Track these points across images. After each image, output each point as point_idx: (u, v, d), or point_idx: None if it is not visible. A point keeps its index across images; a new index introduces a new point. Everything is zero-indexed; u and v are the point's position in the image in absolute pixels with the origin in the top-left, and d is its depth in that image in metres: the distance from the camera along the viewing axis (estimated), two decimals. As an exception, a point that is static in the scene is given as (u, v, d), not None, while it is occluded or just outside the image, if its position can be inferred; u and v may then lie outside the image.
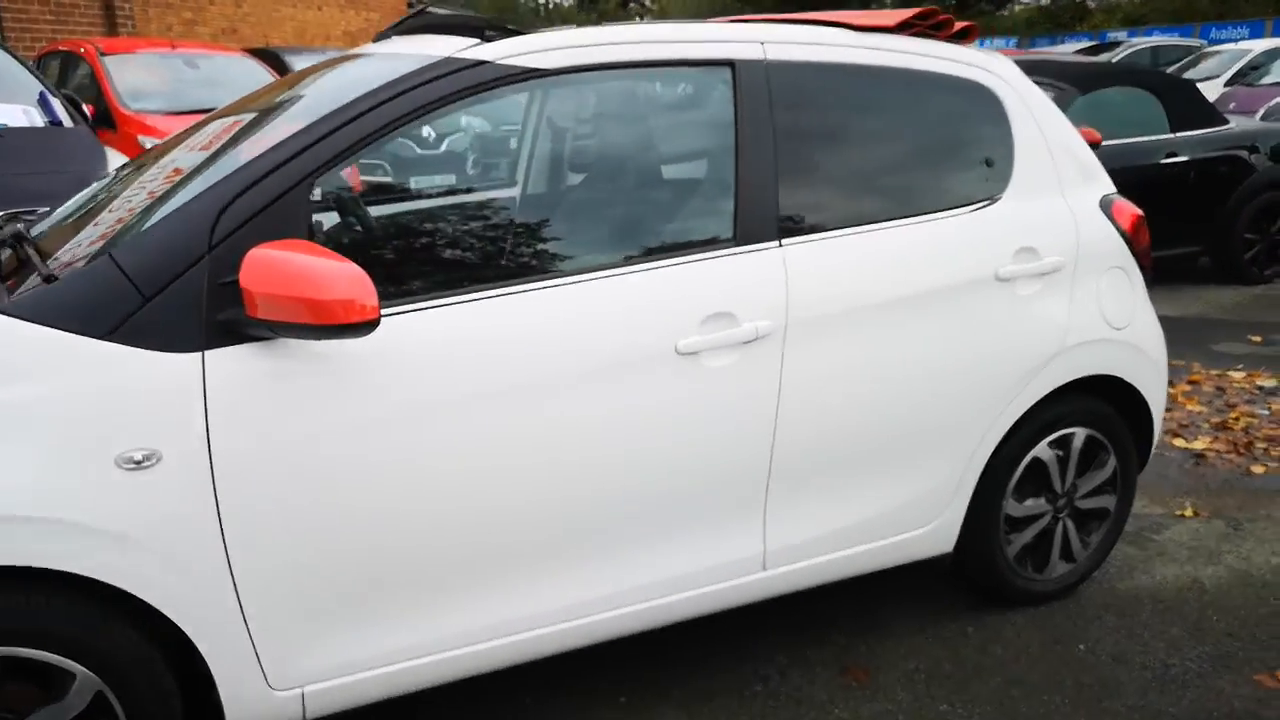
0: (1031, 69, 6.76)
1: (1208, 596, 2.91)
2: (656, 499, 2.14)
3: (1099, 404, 2.75)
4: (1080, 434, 2.73)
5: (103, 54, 8.74)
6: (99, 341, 1.66)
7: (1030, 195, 2.58)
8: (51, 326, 1.64)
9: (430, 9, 2.16)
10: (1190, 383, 4.91)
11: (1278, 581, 2.99)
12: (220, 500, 1.73)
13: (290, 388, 1.77)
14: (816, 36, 2.35)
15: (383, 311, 1.84)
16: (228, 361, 1.73)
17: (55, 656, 1.67)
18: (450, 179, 6.84)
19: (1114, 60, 15.40)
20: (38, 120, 5.52)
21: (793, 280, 2.21)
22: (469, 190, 2.85)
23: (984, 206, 2.50)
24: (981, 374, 2.47)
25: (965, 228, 2.46)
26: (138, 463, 1.66)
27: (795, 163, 2.28)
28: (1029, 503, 2.72)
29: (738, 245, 2.19)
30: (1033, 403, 2.58)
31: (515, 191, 3.03)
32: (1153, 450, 2.94)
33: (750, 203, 2.21)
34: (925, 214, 2.42)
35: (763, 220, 2.21)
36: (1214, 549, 3.20)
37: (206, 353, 1.72)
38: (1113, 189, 2.77)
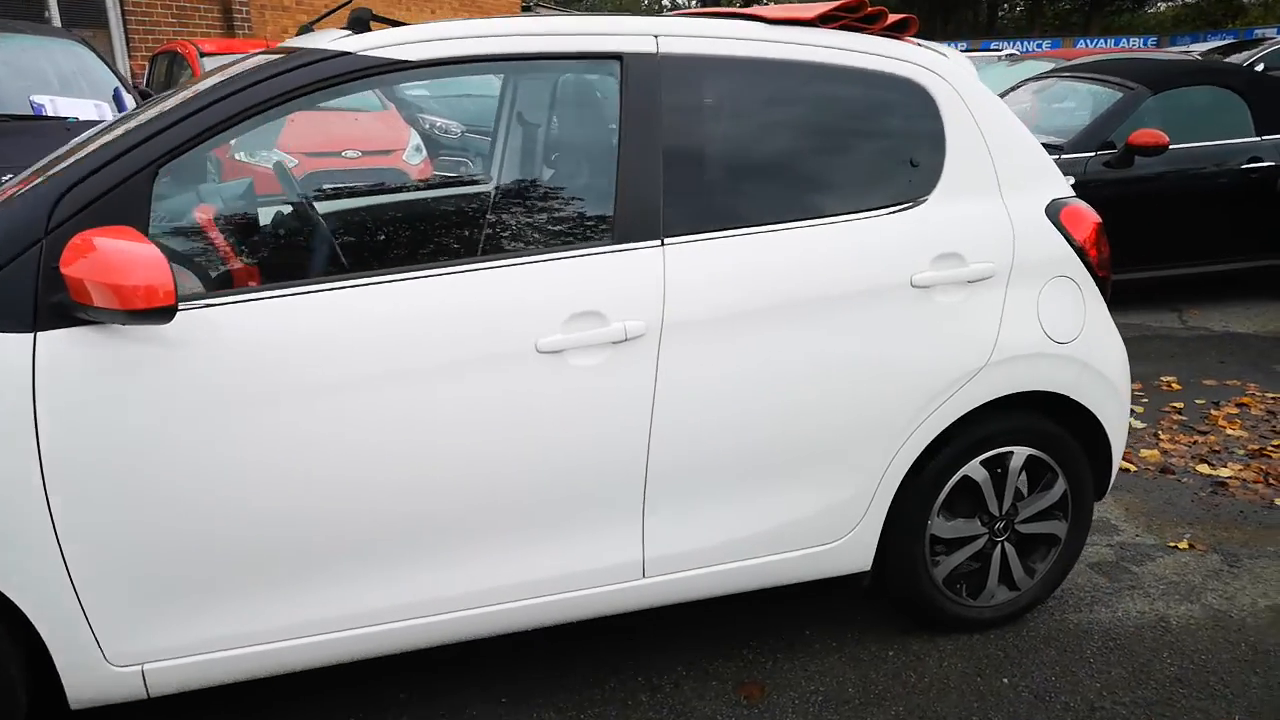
0: (1103, 69, 6.43)
1: (1169, 636, 2.69)
2: (519, 497, 2.11)
3: (1044, 423, 2.57)
4: (1020, 454, 2.56)
5: (202, 54, 9.21)
6: (-75, 319, 1.74)
7: (961, 198, 2.42)
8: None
9: (362, 7, 2.18)
10: (1239, 405, 4.55)
11: (1257, 626, 2.74)
12: (47, 478, 1.79)
13: (117, 371, 1.81)
14: (717, 29, 2.27)
15: (221, 301, 1.88)
16: (58, 343, 1.79)
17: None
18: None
19: (1255, 58, 14.36)
20: (108, 115, 5.86)
21: (671, 281, 2.14)
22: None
23: (905, 209, 2.37)
24: (890, 385, 2.34)
25: (878, 231, 2.33)
26: (-37, 436, 1.74)
27: (686, 160, 2.21)
28: (960, 524, 2.57)
29: (614, 243, 2.14)
30: (956, 418, 2.43)
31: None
32: (1113, 476, 2.73)
33: (630, 200, 2.15)
34: (833, 216, 2.31)
35: (643, 218, 2.15)
36: (1197, 585, 2.95)
37: (39, 334, 1.78)
38: (1067, 193, 2.58)
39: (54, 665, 1.93)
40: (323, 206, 2.38)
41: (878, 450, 2.38)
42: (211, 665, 2.01)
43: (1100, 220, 2.59)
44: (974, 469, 2.53)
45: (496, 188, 2.51)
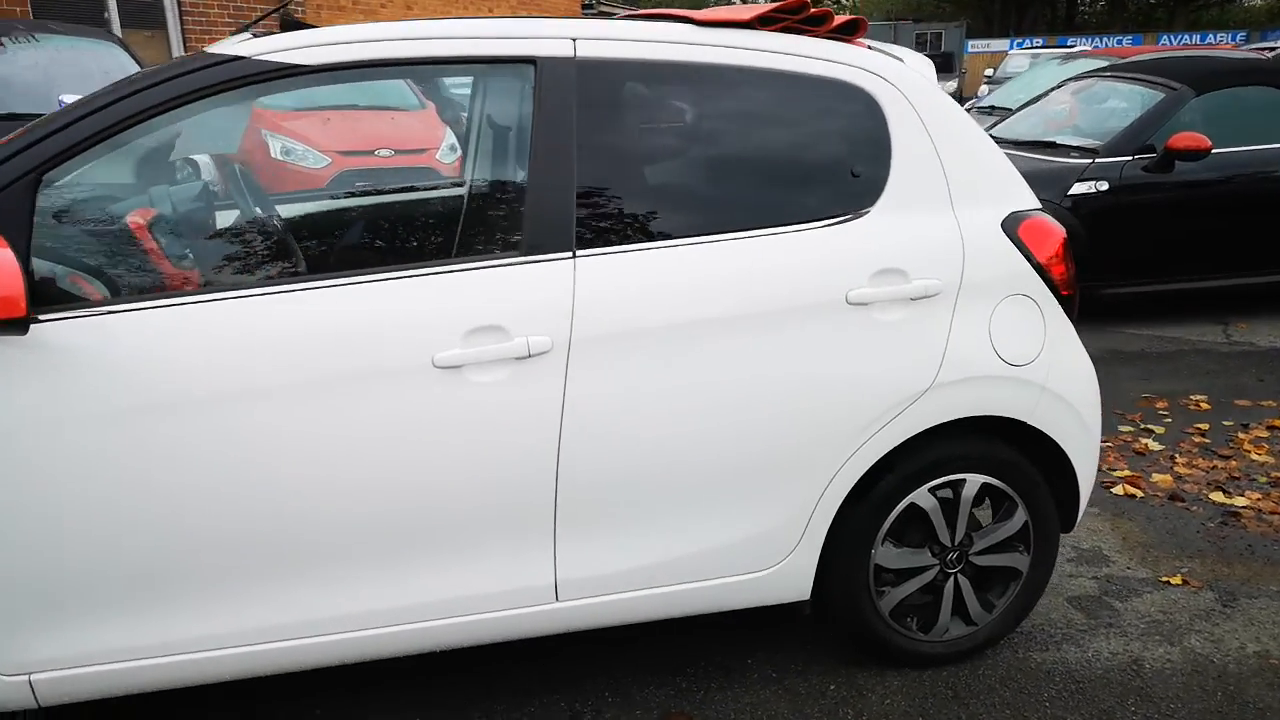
0: (1146, 68, 6.12)
1: (1139, 681, 2.50)
2: (419, 514, 2.04)
3: (1001, 449, 2.42)
4: (973, 481, 2.41)
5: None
6: None
7: (907, 211, 2.28)
8: None
9: (289, 10, 2.14)
10: (1270, 428, 4.27)
11: (1239, 674, 2.53)
12: (-75, 485, 1.78)
13: (4, 379, 1.80)
14: (641, 32, 2.17)
15: (69, 314, 1.85)
16: (-61, 351, 1.78)
17: None
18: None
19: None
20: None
21: (582, 295, 2.05)
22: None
23: (843, 222, 2.24)
24: (824, 407, 2.21)
25: (812, 245, 2.20)
26: None
27: (602, 169, 2.12)
28: (907, 554, 2.43)
29: (522, 254, 2.06)
30: (899, 442, 2.29)
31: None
32: (1082, 507, 2.55)
33: (540, 211, 2.07)
34: (764, 229, 2.19)
35: (554, 230, 2.07)
36: (1182, 626, 2.75)
37: (-82, 341, 1.77)
38: (1030, 206, 2.41)
39: (-59, 674, 1.92)
40: (227, 213, 2.34)
41: (811, 475, 2.25)
42: (97, 677, 1.99)
43: (1064, 234, 2.42)
44: (921, 496, 2.38)
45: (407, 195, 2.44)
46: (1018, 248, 2.34)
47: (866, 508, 2.35)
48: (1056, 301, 2.41)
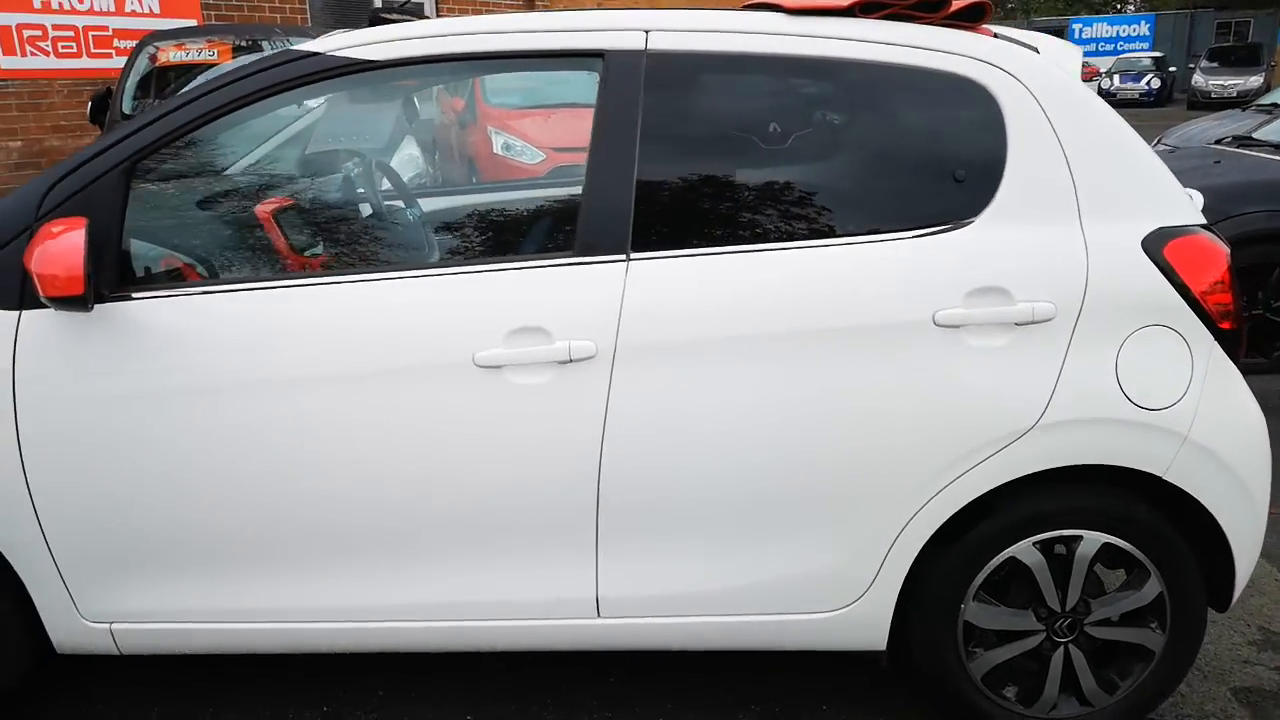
0: None
1: (1297, 803, 2.06)
2: (451, 513, 2.02)
3: (1130, 506, 2.07)
4: (1091, 540, 2.07)
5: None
6: (-61, 295, 1.97)
7: (1019, 222, 1.99)
8: (-81, 272, 1.99)
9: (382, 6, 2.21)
10: None
11: None
12: (23, 447, 1.97)
13: (84, 352, 1.95)
14: (719, 22, 2.02)
15: (165, 293, 1.97)
16: (39, 321, 1.96)
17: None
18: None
19: None
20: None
21: (631, 299, 1.95)
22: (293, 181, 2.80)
23: (940, 232, 1.99)
24: (901, 440, 1.98)
25: (897, 257, 1.97)
26: (-44, 399, 1.96)
27: (667, 168, 2.00)
28: (1005, 614, 2.13)
29: (574, 255, 1.98)
30: (991, 487, 2.01)
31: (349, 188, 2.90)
32: (1239, 585, 2.13)
33: (596, 210, 1.99)
34: (841, 237, 1.99)
35: (609, 231, 1.98)
36: (1378, 742, 2.25)
37: (23, 312, 1.96)
38: (1187, 222, 2.03)
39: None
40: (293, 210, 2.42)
41: (883, 513, 2.02)
42: (172, 634, 2.13)
43: (1226, 255, 2.02)
44: (1025, 551, 2.08)
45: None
46: (1161, 270, 1.98)
47: (956, 557, 2.09)
48: (1212, 337, 2.02)
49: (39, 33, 8.76)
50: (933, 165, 2.03)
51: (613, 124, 1.99)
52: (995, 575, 2.11)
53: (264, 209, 2.48)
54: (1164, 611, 2.13)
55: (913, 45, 2.01)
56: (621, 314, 1.95)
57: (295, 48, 2.03)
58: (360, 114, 3.23)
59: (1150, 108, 24.86)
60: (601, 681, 2.46)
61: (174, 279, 2.17)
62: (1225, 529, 2.07)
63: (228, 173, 2.55)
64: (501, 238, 2.26)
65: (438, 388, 1.96)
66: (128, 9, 9.24)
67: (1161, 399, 1.99)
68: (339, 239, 2.47)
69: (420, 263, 2.00)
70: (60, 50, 8.87)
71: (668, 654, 2.43)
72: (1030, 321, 1.96)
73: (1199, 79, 24.18)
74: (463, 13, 12.66)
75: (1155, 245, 2.00)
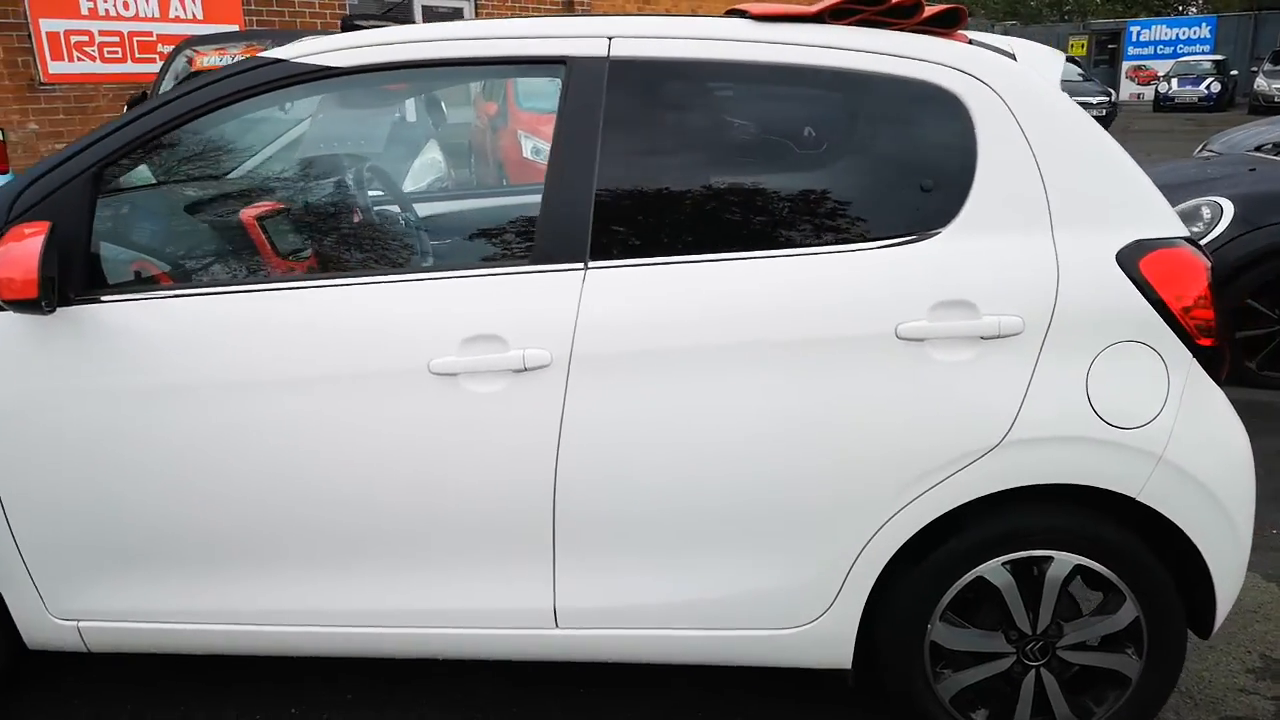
0: None
1: (1277, 841, 1.97)
2: (408, 519, 2.02)
3: (1105, 528, 2.00)
4: (1063, 561, 2.01)
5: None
6: (-78, 294, 2.01)
7: (988, 232, 1.93)
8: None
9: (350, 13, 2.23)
10: None
11: None
12: (-8, 446, 2.01)
13: (50, 353, 1.98)
14: (684, 29, 1.99)
15: (132, 296, 2.00)
16: (6, 322, 1.99)
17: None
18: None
19: None
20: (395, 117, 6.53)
21: (587, 308, 1.93)
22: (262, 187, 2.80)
23: (905, 243, 1.94)
24: (862, 454, 1.93)
25: (858, 269, 1.92)
26: (-69, 397, 2.00)
27: (627, 176, 1.98)
28: (974, 635, 2.07)
29: (531, 264, 1.97)
30: (955, 505, 1.96)
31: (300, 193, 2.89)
32: (1221, 611, 2.05)
33: (555, 218, 1.97)
34: (802, 248, 1.95)
35: (567, 239, 1.96)
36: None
37: (-7, 314, 2.00)
38: (1167, 234, 1.96)
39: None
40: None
41: (845, 529, 1.98)
42: (137, 634, 2.15)
43: (1206, 268, 1.95)
44: (993, 571, 2.02)
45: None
46: (1136, 284, 1.92)
47: (923, 576, 2.03)
48: (1191, 355, 1.94)
49: (86, 38, 8.99)
50: (899, 175, 1.98)
51: (573, 131, 1.97)
52: (963, 595, 2.05)
53: (249, 213, 2.51)
54: (1140, 637, 2.05)
55: (880, 52, 1.97)
56: (577, 323, 1.93)
57: (262, 54, 2.04)
58: (360, 117, 3.26)
59: (1210, 112, 24.20)
60: (571, 693, 2.44)
61: (144, 283, 2.19)
62: (1204, 554, 1.99)
63: (202, 177, 2.57)
64: (467, 244, 2.26)
65: (394, 394, 1.95)
66: (171, 15, 9.45)
67: (1135, 418, 1.92)
68: (316, 244, 2.49)
69: (387, 269, 1.99)
70: (106, 55, 9.10)
71: (641, 669, 2.41)
72: (996, 335, 1.90)
73: (1261, 82, 23.46)
74: (502, 16, 12.74)
75: (1131, 258, 1.93)
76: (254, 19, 10.07)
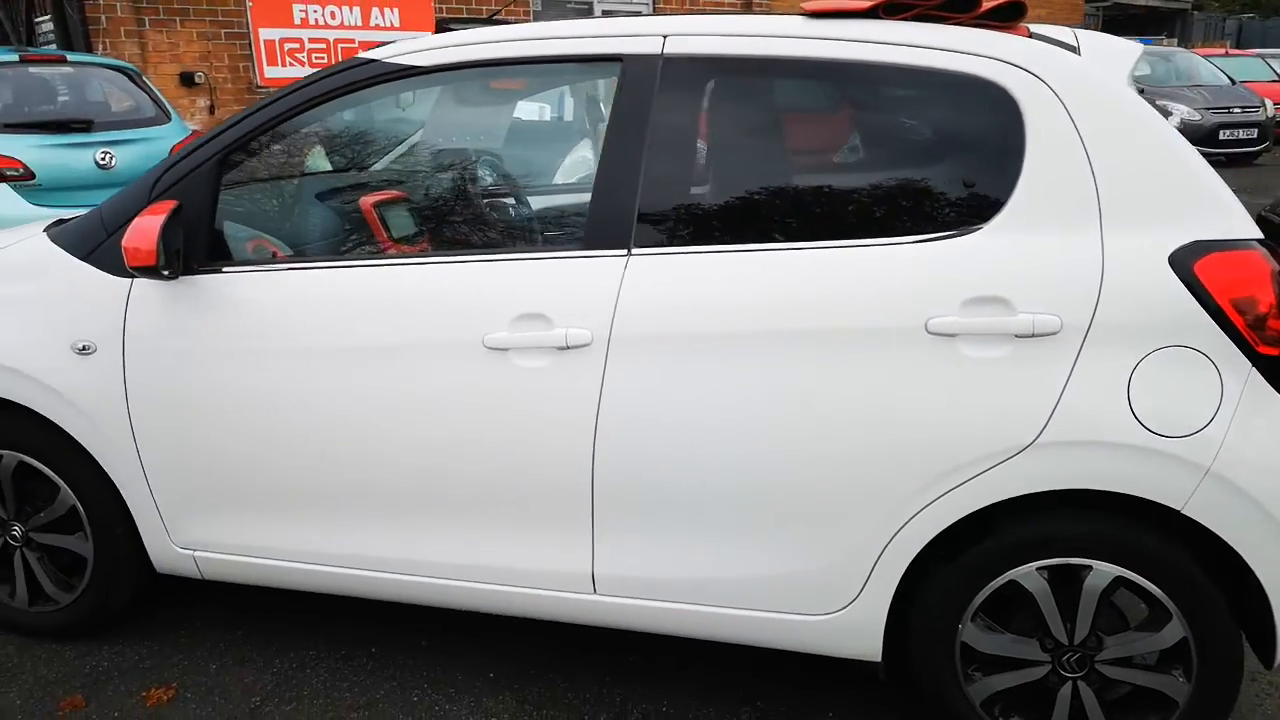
0: None
1: None
2: (459, 481, 2.19)
3: (1150, 540, 1.92)
4: (1102, 571, 1.94)
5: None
6: (80, 261, 2.38)
7: (1032, 230, 1.90)
8: (62, 248, 2.41)
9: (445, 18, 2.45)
10: None
11: None
12: (129, 391, 2.35)
13: (177, 315, 2.29)
14: (736, 27, 2.07)
15: (246, 269, 2.28)
16: (146, 288, 2.32)
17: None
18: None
19: None
20: (548, 116, 6.85)
21: (627, 292, 2.04)
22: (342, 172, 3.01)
23: (941, 238, 1.93)
24: (888, 447, 1.94)
25: (894, 262, 1.94)
26: (81, 350, 2.36)
27: (672, 168, 2.07)
28: (1006, 641, 2.04)
29: (581, 248, 2.10)
30: (986, 504, 1.93)
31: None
32: (1282, 638, 1.92)
33: (603, 207, 2.09)
34: (839, 240, 1.98)
35: (614, 227, 2.08)
36: None
37: (134, 280, 2.33)
38: (1230, 236, 1.86)
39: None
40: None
41: (868, 521, 2.00)
42: (239, 566, 2.44)
43: (1272, 273, 1.83)
44: (1027, 576, 1.98)
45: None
46: (1189, 286, 1.83)
47: (954, 575, 2.02)
48: (1250, 363, 1.84)
49: (297, 45, 9.88)
50: (944, 170, 1.98)
51: (625, 125, 2.09)
52: (998, 599, 2.02)
53: (367, 200, 2.78)
54: (1189, 658, 1.96)
55: (930, 47, 1.97)
56: (618, 306, 2.04)
57: (359, 55, 2.28)
58: (484, 115, 3.49)
59: None
60: (614, 655, 2.55)
61: (261, 258, 2.48)
62: (1260, 576, 1.87)
63: (314, 167, 2.86)
64: (535, 230, 2.42)
65: (454, 365, 2.13)
66: (372, 23, 10.22)
67: (1181, 426, 1.84)
68: (423, 226, 2.72)
69: (462, 249, 2.19)
70: (314, 60, 9.97)
71: (681, 642, 2.50)
72: (1031, 334, 1.87)
73: None
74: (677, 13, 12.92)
75: (1186, 259, 1.85)
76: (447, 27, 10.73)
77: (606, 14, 12.70)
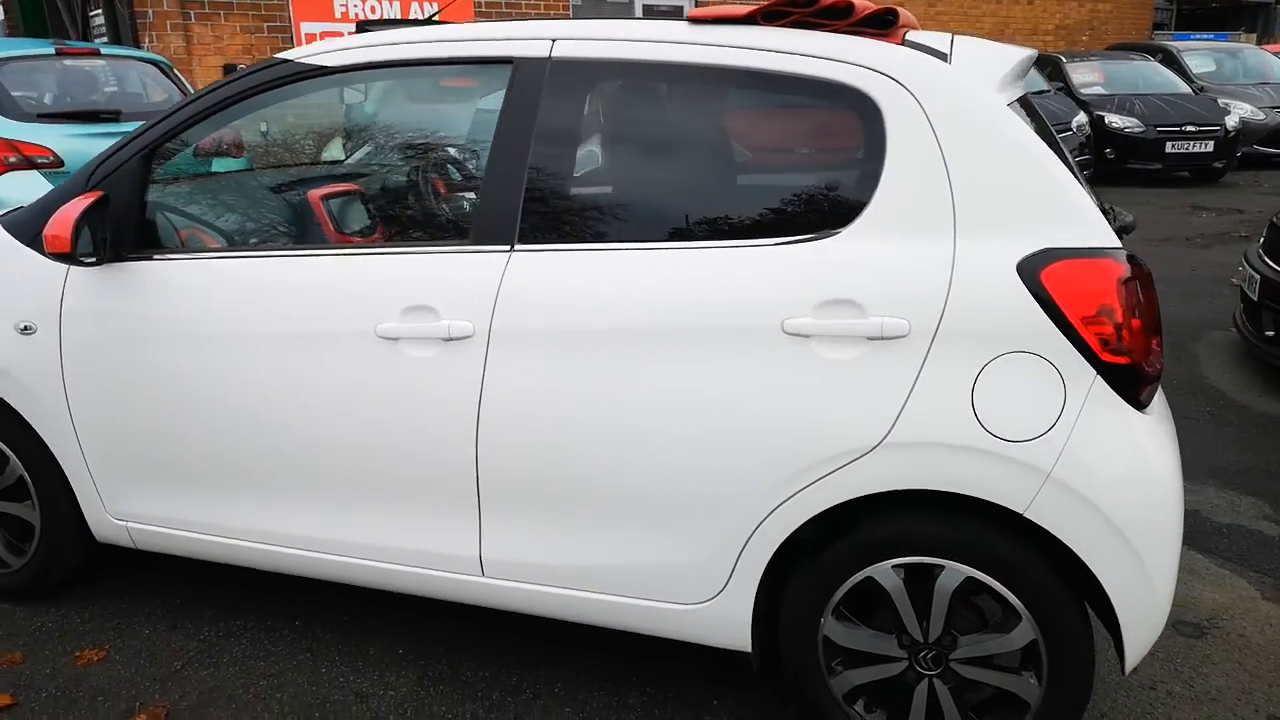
0: None
1: None
2: (355, 462, 2.29)
3: (1000, 543, 1.94)
4: (954, 571, 1.97)
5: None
6: (24, 246, 2.54)
7: (887, 235, 1.93)
8: (10, 234, 2.58)
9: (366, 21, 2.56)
10: None
11: None
12: (65, 369, 2.50)
13: (107, 298, 2.44)
14: (623, 31, 2.12)
15: (169, 257, 2.41)
16: (79, 274, 2.47)
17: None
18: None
19: None
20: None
21: (507, 287, 2.13)
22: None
23: (802, 241, 1.98)
24: (746, 444, 2.00)
25: (752, 264, 1.98)
26: (23, 330, 2.52)
27: (556, 167, 2.15)
28: (865, 636, 2.08)
29: (468, 243, 2.19)
30: (833, 503, 1.98)
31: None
32: (1135, 644, 1.93)
33: (490, 203, 2.18)
34: (706, 241, 2.03)
35: (499, 223, 2.16)
36: None
37: (71, 266, 2.48)
38: (1084, 245, 1.87)
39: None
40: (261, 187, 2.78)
41: (730, 514, 2.05)
42: (168, 538, 2.59)
43: (1120, 287, 1.84)
44: (883, 573, 2.02)
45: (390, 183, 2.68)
46: (1035, 294, 1.86)
47: (817, 570, 2.07)
48: (1094, 370, 1.85)
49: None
50: (810, 174, 2.02)
51: (512, 125, 2.17)
52: (858, 595, 2.06)
53: (315, 194, 2.91)
54: (1039, 662, 1.98)
55: (799, 53, 2.01)
56: (498, 300, 2.13)
57: (273, 56, 2.39)
58: (449, 110, 3.59)
59: None
60: (522, 637, 2.64)
61: (190, 246, 2.62)
62: (1105, 584, 1.89)
63: (331, 156, 2.99)
64: (428, 223, 2.51)
65: (352, 352, 2.24)
66: (411, 17, 10.41)
67: (1021, 431, 1.86)
68: (358, 218, 2.84)
69: (348, 241, 2.29)
70: (352, 53, 10.19)
71: (584, 629, 2.58)
72: (880, 337, 1.91)
73: None
74: (719, 14, 12.91)
75: (1034, 267, 1.87)
76: (482, 19, 10.90)
77: (646, 10, 12.76)
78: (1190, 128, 11.41)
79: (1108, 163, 11.49)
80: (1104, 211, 2.40)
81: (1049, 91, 11.02)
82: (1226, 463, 3.85)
